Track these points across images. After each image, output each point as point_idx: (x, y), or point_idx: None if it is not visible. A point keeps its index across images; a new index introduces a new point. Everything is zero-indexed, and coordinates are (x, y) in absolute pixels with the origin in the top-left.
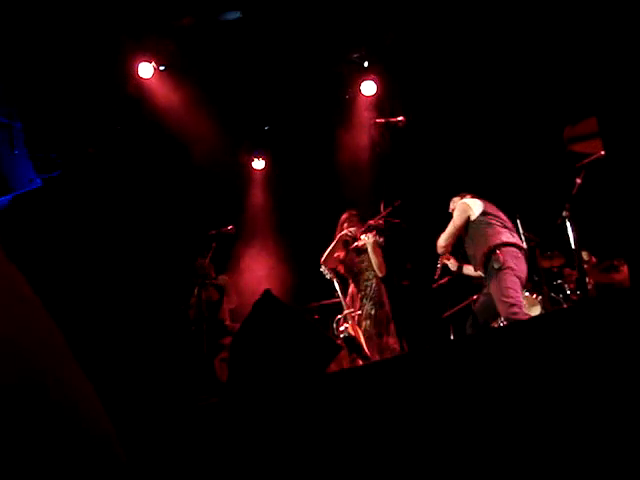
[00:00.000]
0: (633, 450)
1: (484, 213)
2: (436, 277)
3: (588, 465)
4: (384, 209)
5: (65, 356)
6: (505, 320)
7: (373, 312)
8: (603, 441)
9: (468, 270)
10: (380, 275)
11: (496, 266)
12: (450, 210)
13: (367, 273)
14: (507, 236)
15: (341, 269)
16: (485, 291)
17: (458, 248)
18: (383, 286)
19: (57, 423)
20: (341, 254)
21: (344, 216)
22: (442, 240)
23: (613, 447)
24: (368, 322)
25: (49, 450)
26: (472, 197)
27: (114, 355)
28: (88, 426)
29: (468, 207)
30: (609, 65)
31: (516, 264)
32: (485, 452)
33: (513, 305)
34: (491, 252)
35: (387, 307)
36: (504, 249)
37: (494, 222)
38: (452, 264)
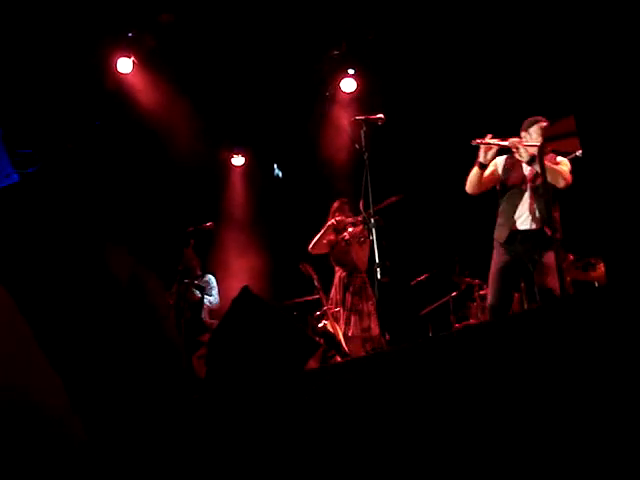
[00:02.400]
0: (612, 444)
1: None
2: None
3: (565, 459)
4: (363, 207)
5: (33, 357)
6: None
7: (359, 305)
8: (583, 437)
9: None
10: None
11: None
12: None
13: (353, 265)
14: None
15: (330, 255)
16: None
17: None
18: (367, 280)
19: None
20: (331, 238)
21: (335, 204)
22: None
23: (593, 443)
24: (353, 316)
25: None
26: None
27: (91, 350)
28: (38, 401)
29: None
30: (587, 64)
31: None
32: (467, 446)
33: None
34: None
35: (372, 300)
36: None
37: None
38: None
